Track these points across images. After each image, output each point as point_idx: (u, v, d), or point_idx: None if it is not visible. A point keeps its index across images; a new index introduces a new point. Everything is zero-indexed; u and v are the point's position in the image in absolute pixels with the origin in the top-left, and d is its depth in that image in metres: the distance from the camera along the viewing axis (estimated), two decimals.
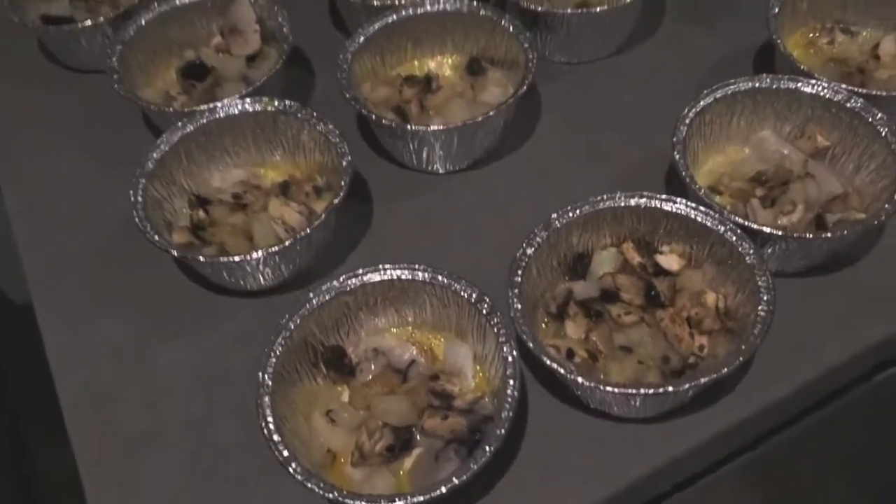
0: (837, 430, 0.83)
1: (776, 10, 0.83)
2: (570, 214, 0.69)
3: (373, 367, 0.66)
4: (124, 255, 0.79)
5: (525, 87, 0.79)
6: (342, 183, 0.73)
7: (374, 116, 0.78)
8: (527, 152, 0.86)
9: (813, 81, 0.76)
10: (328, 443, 0.63)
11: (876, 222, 0.68)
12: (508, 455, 0.64)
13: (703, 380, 0.58)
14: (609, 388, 0.59)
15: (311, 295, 0.65)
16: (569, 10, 0.87)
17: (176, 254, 0.70)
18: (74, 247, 0.81)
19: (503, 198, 0.82)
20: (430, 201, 0.82)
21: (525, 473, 0.63)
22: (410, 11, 0.87)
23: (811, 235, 0.67)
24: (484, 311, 0.63)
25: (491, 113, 0.78)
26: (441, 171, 0.84)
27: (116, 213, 0.82)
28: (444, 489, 0.55)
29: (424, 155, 0.82)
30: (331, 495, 0.55)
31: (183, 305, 0.76)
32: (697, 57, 0.92)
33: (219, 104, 0.79)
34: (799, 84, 0.77)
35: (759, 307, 0.62)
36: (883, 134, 0.73)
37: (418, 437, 0.62)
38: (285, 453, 0.57)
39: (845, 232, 0.67)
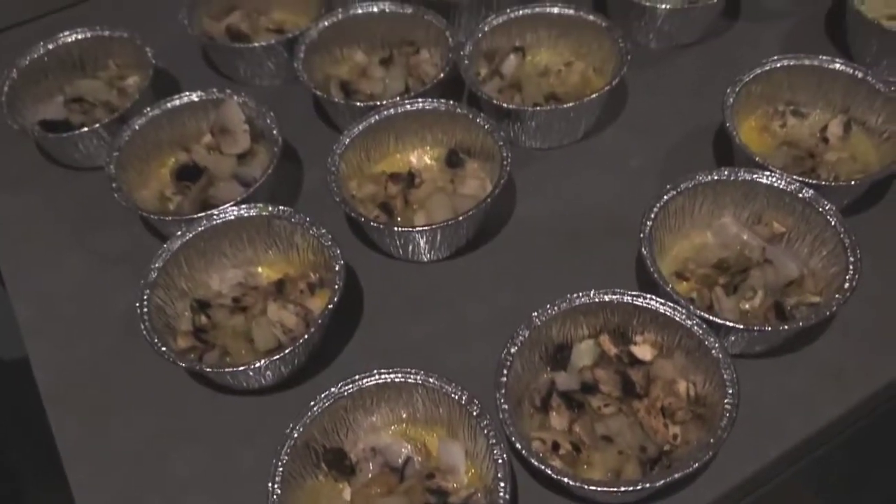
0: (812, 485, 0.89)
1: (730, 100, 0.90)
2: (550, 311, 0.74)
3: (371, 465, 0.71)
4: (130, 355, 0.83)
5: (501, 185, 0.85)
6: (335, 286, 0.78)
7: (362, 219, 0.84)
8: (506, 239, 0.92)
9: (767, 173, 0.83)
10: None
11: (828, 313, 0.74)
12: None
13: (676, 475, 0.64)
14: (592, 487, 0.64)
15: (312, 403, 0.70)
16: (537, 108, 0.93)
17: (183, 365, 0.74)
18: (83, 351, 0.85)
19: (486, 284, 0.88)
20: (418, 290, 0.88)
21: None
22: (392, 111, 0.92)
23: (769, 328, 0.73)
24: (474, 413, 0.69)
25: (470, 212, 0.83)
26: (426, 259, 0.89)
27: (120, 313, 0.86)
28: None
29: (410, 248, 0.87)
30: None
31: (190, 406, 0.80)
32: (661, 140, 0.98)
33: (215, 212, 0.84)
34: (755, 175, 0.83)
35: (726, 400, 0.68)
36: (833, 223, 0.79)
37: None
38: None
39: (800, 324, 0.73)
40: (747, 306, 0.79)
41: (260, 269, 0.87)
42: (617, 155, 0.98)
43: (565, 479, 0.64)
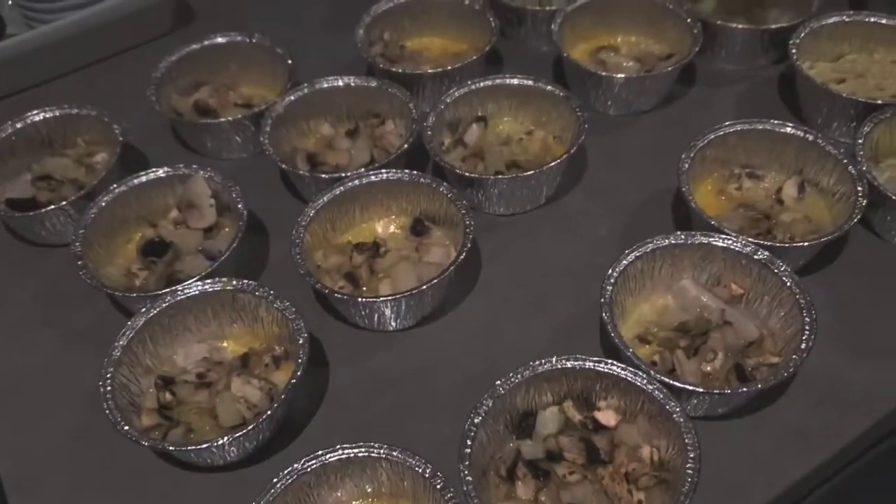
0: None
1: (685, 165, 0.92)
2: (513, 380, 0.75)
3: None
4: (95, 435, 0.82)
5: (465, 252, 0.86)
6: (299, 360, 0.78)
7: (326, 290, 0.84)
8: (471, 304, 0.93)
9: (723, 236, 0.85)
10: None
11: (786, 374, 0.75)
12: None
13: None
14: None
15: (275, 480, 0.69)
16: (499, 176, 0.95)
17: (146, 444, 0.74)
18: (47, 433, 0.84)
19: (452, 352, 0.88)
20: (384, 360, 0.88)
21: None
22: (357, 182, 0.94)
23: (728, 390, 0.74)
24: (438, 486, 0.68)
25: (434, 280, 0.84)
26: (392, 329, 0.90)
27: (85, 392, 0.85)
28: None
29: (376, 318, 0.88)
30: None
31: (155, 487, 0.79)
32: (621, 204, 1.01)
33: (179, 287, 0.84)
34: (711, 239, 0.85)
35: (687, 465, 0.68)
36: (788, 284, 0.81)
37: None
38: None
39: (759, 385, 0.74)
40: (708, 368, 0.80)
41: (225, 343, 0.87)
42: (579, 219, 1.00)
43: None
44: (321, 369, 0.88)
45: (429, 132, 1.00)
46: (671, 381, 0.74)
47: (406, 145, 0.99)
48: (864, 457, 0.85)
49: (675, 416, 0.71)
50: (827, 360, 0.83)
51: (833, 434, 0.79)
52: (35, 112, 1.07)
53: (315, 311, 0.92)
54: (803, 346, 0.76)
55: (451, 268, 0.85)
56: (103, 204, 0.95)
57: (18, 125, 1.06)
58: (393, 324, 0.89)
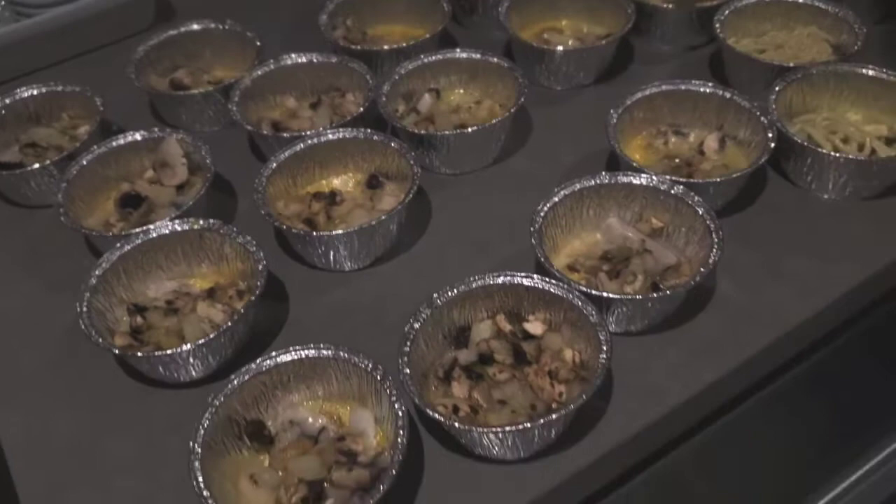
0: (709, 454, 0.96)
1: (614, 120, 1.02)
2: (449, 293, 0.83)
3: (289, 436, 0.78)
4: (74, 363, 0.90)
5: (412, 194, 0.95)
6: (258, 283, 0.86)
7: (284, 226, 0.93)
8: (421, 249, 1.01)
9: (643, 175, 0.94)
10: (253, 502, 0.74)
11: (692, 283, 0.83)
12: (408, 497, 0.75)
13: (553, 416, 0.72)
14: (481, 429, 0.72)
15: (233, 376, 0.77)
16: (447, 132, 1.04)
17: (117, 351, 0.82)
18: (29, 362, 0.92)
19: (402, 288, 0.96)
20: (339, 296, 0.96)
21: None
22: (315, 140, 1.03)
23: (640, 297, 0.82)
24: (378, 378, 0.76)
25: (383, 217, 0.93)
26: (347, 268, 0.98)
27: (65, 329, 0.93)
28: None
29: (331, 256, 0.96)
30: None
31: (125, 401, 0.87)
32: (559, 163, 1.10)
33: (151, 227, 0.93)
34: (632, 178, 0.94)
35: (601, 356, 0.76)
36: (700, 213, 0.90)
37: (329, 490, 0.74)
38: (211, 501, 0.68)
39: (667, 293, 0.83)
40: (628, 289, 0.88)
41: (193, 281, 0.95)
42: (521, 177, 1.09)
43: (457, 424, 0.72)
44: (282, 304, 0.95)
45: (384, 99, 1.09)
46: (590, 291, 0.82)
47: (362, 109, 1.08)
48: (777, 382, 0.93)
49: (591, 318, 0.79)
50: (739, 284, 0.91)
51: (743, 345, 0.86)
52: (23, 88, 1.16)
53: (277, 255, 1.00)
54: (710, 260, 0.85)
55: (400, 207, 0.94)
56: (84, 163, 1.04)
57: (7, 100, 1.15)
58: (348, 263, 0.97)
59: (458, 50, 1.15)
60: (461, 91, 1.17)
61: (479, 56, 1.14)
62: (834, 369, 1.02)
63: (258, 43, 1.22)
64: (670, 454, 0.89)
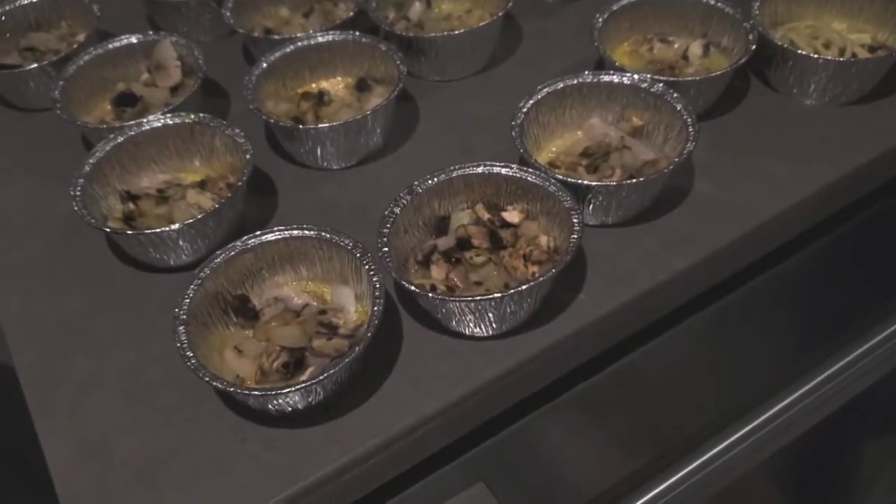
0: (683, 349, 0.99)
1: (599, 23, 1.03)
2: (429, 182, 0.86)
3: (273, 311, 0.82)
4: (70, 249, 0.94)
5: (397, 92, 0.97)
6: (245, 170, 0.89)
7: (272, 120, 0.95)
8: (407, 150, 1.03)
9: (625, 74, 0.96)
10: (237, 370, 0.78)
11: (666, 170, 0.86)
12: (385, 369, 0.79)
13: (523, 287, 0.75)
14: (454, 299, 0.75)
15: (218, 252, 0.81)
16: (434, 34, 1.06)
17: (108, 230, 0.85)
18: (27, 249, 0.95)
19: (389, 186, 0.97)
20: (327, 192, 0.99)
21: (399, 382, 0.78)
22: (306, 42, 1.05)
23: (615, 183, 0.85)
24: (358, 255, 0.79)
25: (368, 112, 0.95)
26: (336, 167, 1.01)
27: (61, 218, 0.97)
28: (322, 376, 0.70)
29: (319, 153, 0.99)
30: (232, 389, 0.70)
31: (119, 283, 0.90)
32: (548, 71, 1.11)
33: (144, 120, 0.96)
34: (614, 77, 0.96)
35: (572, 236, 0.79)
36: (678, 108, 0.92)
37: (310, 358, 0.77)
38: (195, 363, 0.72)
39: (641, 179, 0.85)
40: (606, 182, 0.90)
41: (184, 175, 0.98)
42: (508, 84, 1.11)
43: (430, 294, 0.75)
44: (270, 199, 0.98)
45: (374, 4, 1.11)
46: (566, 178, 0.84)
47: (351, 14, 1.10)
48: (748, 284, 0.96)
49: (565, 203, 0.82)
50: (716, 182, 0.94)
51: (715, 237, 0.89)
52: None
53: (266, 153, 1.03)
54: (685, 151, 0.87)
55: (385, 102, 0.96)
56: (81, 63, 1.06)
57: (7, 7, 1.18)
58: (335, 161, 1.00)
59: None
60: (453, 1, 1.18)
61: None
62: (804, 273, 1.05)
63: None
64: (638, 349, 0.92)
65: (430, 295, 0.76)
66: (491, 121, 1.05)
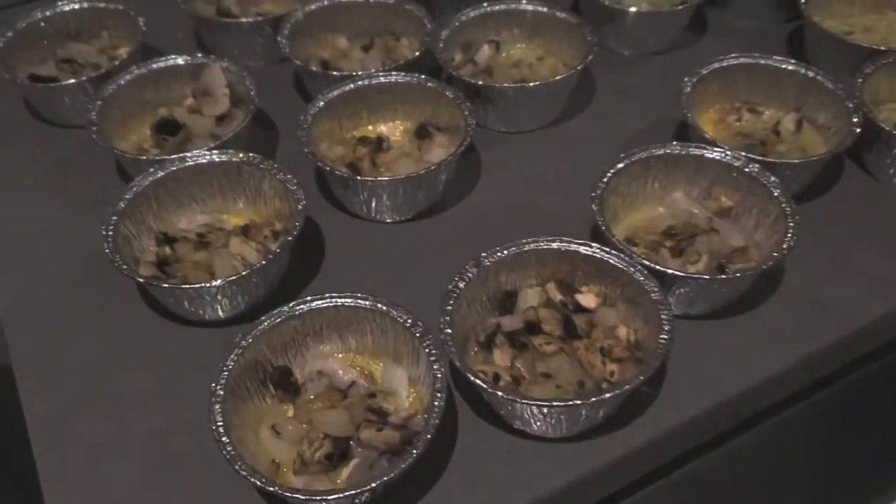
0: (755, 457, 0.90)
1: (688, 88, 0.95)
2: (498, 255, 0.77)
3: (316, 387, 0.73)
4: (94, 289, 0.86)
5: (464, 147, 0.89)
6: (296, 224, 0.81)
7: (327, 168, 0.87)
8: (467, 207, 0.95)
9: (716, 149, 0.87)
10: (273, 453, 0.69)
11: (764, 267, 0.77)
12: (438, 466, 0.70)
13: (606, 395, 0.66)
14: (525, 402, 0.66)
15: (263, 318, 0.72)
16: (506, 84, 0.98)
17: (141, 280, 0.77)
18: (48, 283, 0.87)
19: (445, 245, 0.91)
20: (378, 247, 0.90)
21: (453, 483, 0.69)
22: (366, 82, 0.97)
23: (708, 277, 0.76)
24: (417, 335, 0.71)
25: (432, 167, 0.87)
26: (389, 220, 0.92)
27: (89, 253, 0.88)
28: (374, 484, 0.61)
29: (373, 205, 0.90)
30: (272, 489, 0.61)
31: (146, 334, 0.82)
32: (624, 130, 1.03)
33: (188, 154, 0.87)
34: (704, 151, 0.87)
35: (661, 336, 0.70)
36: (776, 195, 0.83)
37: (355, 449, 0.68)
38: (232, 452, 0.63)
39: (737, 275, 0.76)
40: (691, 269, 0.81)
41: (226, 217, 0.90)
42: (580, 141, 1.03)
43: (499, 393, 0.66)
44: (318, 250, 0.90)
45: (441, 45, 1.03)
46: (652, 265, 0.76)
47: (417, 54, 1.02)
48: (838, 382, 0.87)
49: (652, 295, 0.73)
50: (810, 273, 0.85)
51: (807, 340, 0.80)
52: (65, 2, 1.11)
53: (317, 201, 0.94)
54: (784, 246, 0.78)
55: (450, 158, 0.88)
56: (122, 82, 0.98)
57: (48, 13, 1.10)
58: (390, 214, 0.91)
59: (523, 1, 1.09)
60: (523, 45, 1.10)
61: (545, 10, 1.08)
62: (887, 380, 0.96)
63: None
64: (714, 450, 0.83)
65: (499, 394, 0.67)
66: (561, 179, 0.97)
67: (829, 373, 0.85)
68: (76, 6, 1.11)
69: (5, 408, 0.83)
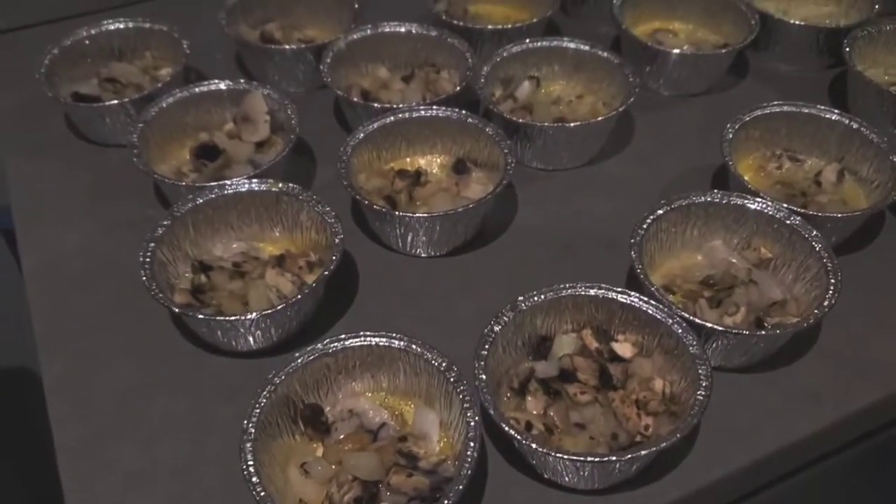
0: None
1: (730, 135, 0.94)
2: (535, 299, 0.77)
3: (347, 426, 0.72)
4: (127, 313, 0.86)
5: (503, 186, 0.89)
6: (333, 257, 0.80)
7: (366, 202, 0.87)
8: (503, 244, 0.95)
9: (758, 199, 0.86)
10: (301, 493, 0.69)
11: (805, 325, 0.76)
12: None
13: (642, 452, 0.65)
14: (559, 455, 0.65)
15: (297, 354, 0.72)
16: (546, 123, 0.98)
17: (176, 310, 0.77)
18: (81, 305, 0.87)
19: (479, 283, 0.90)
20: (412, 282, 0.90)
21: None
22: (406, 115, 0.97)
23: (747, 332, 0.75)
24: (451, 379, 0.70)
25: (470, 205, 0.87)
26: (424, 255, 0.92)
27: (123, 276, 0.88)
28: None
29: (409, 239, 0.90)
30: None
31: (178, 362, 0.82)
32: (662, 173, 1.02)
33: (227, 182, 0.88)
34: (745, 201, 0.86)
35: (699, 392, 0.69)
36: (817, 249, 0.82)
37: (384, 493, 0.68)
38: (262, 493, 0.63)
39: (777, 331, 0.75)
40: (729, 321, 0.80)
41: (262, 245, 0.90)
42: (618, 182, 1.02)
43: (533, 445, 0.65)
44: (351, 283, 0.90)
45: (481, 80, 1.03)
46: (690, 317, 0.75)
47: (458, 89, 1.02)
48: (877, 437, 0.85)
49: (691, 349, 0.72)
50: (848, 330, 0.84)
51: (845, 399, 0.79)
52: (109, 21, 1.12)
53: (353, 233, 0.94)
54: (826, 303, 0.77)
55: (488, 197, 0.88)
56: (164, 105, 0.99)
57: (93, 31, 1.11)
58: (425, 248, 0.91)
59: (565, 39, 1.08)
60: (563, 83, 1.10)
61: (587, 48, 1.07)
62: None
63: (356, 5, 1.16)
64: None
65: (533, 445, 0.66)
66: (598, 221, 0.97)
67: (864, 432, 0.83)
68: (121, 25, 1.12)
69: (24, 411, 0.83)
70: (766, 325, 0.80)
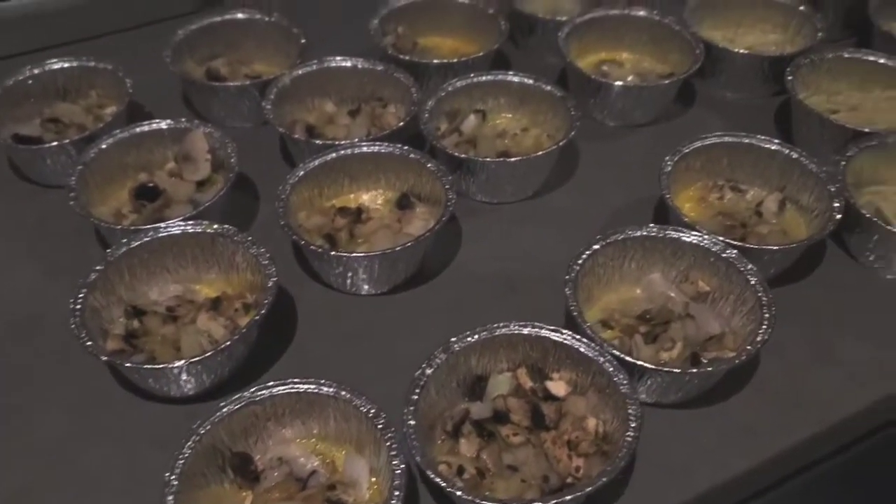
0: None
1: (668, 167, 0.94)
2: (469, 339, 0.76)
3: (276, 474, 0.72)
4: (61, 360, 0.84)
5: (443, 222, 0.88)
6: (265, 301, 0.80)
7: (302, 241, 0.86)
8: (445, 280, 0.94)
9: (694, 232, 0.86)
10: None
11: (738, 361, 0.76)
12: None
13: (567, 497, 0.64)
14: (484, 502, 0.65)
15: (222, 403, 0.71)
16: (488, 158, 0.98)
17: (105, 359, 0.76)
18: (15, 352, 0.86)
19: (420, 321, 0.90)
20: (352, 322, 0.90)
21: None
22: (348, 151, 0.97)
23: (679, 370, 0.75)
24: (379, 426, 0.69)
25: (409, 243, 0.86)
26: (364, 293, 0.91)
27: (58, 321, 0.87)
28: None
29: (349, 278, 0.89)
30: None
31: (111, 408, 0.81)
32: (607, 205, 1.03)
33: (162, 225, 0.87)
34: (681, 234, 0.86)
35: (627, 433, 0.69)
36: (752, 282, 0.82)
37: None
38: None
39: (709, 369, 0.75)
40: (665, 356, 0.80)
41: (199, 287, 0.89)
42: (561, 215, 1.02)
43: (458, 493, 0.65)
44: (289, 323, 0.89)
45: (426, 115, 1.03)
46: (623, 356, 0.75)
47: (402, 123, 1.02)
48: (815, 468, 0.85)
49: (621, 388, 0.72)
50: (785, 364, 0.84)
51: (781, 434, 0.79)
52: (54, 60, 1.11)
53: (292, 271, 0.94)
54: (759, 338, 0.77)
55: (428, 234, 0.87)
56: (104, 146, 0.98)
57: (36, 71, 1.10)
58: (366, 287, 0.91)
59: (510, 73, 1.09)
60: (508, 115, 1.10)
61: (531, 81, 1.08)
62: (876, 466, 0.94)
63: (303, 40, 1.16)
64: None
65: (458, 493, 0.65)
66: (541, 252, 0.97)
67: (803, 465, 0.83)
68: (65, 64, 1.11)
69: None
70: (702, 360, 0.79)
